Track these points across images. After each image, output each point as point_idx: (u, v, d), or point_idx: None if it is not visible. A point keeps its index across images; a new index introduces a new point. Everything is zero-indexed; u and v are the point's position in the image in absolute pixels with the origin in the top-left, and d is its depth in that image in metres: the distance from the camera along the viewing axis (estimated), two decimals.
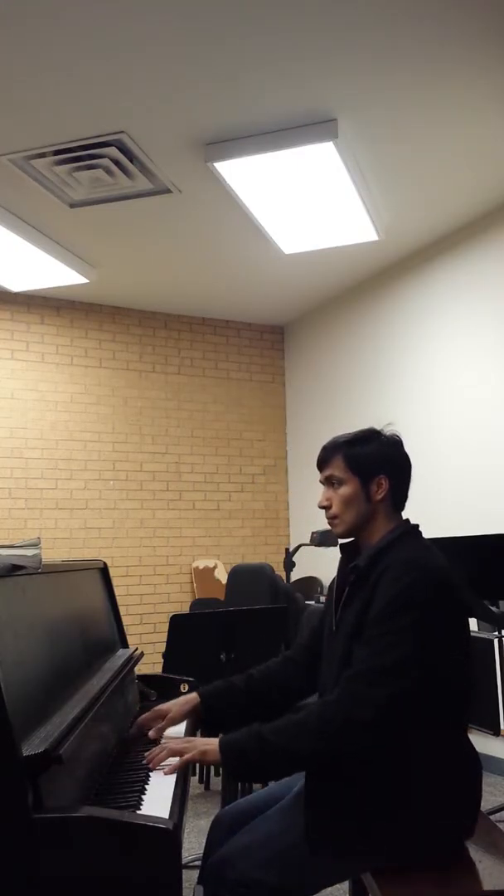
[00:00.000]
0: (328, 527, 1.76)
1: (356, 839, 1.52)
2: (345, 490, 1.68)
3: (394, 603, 1.51)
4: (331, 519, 1.71)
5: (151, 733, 1.76)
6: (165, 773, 1.57)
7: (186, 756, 1.56)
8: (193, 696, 1.84)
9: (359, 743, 1.47)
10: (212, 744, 1.56)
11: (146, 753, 1.65)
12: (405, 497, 1.73)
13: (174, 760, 1.59)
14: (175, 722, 1.83)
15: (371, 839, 1.51)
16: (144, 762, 1.62)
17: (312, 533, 3.80)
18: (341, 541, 1.78)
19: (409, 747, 1.52)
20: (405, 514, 1.76)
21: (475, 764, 1.61)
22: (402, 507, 1.73)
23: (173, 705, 1.84)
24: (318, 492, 1.75)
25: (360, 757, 1.50)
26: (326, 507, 1.71)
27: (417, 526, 1.71)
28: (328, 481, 1.72)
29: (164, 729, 1.81)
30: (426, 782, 1.52)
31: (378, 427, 1.75)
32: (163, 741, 1.70)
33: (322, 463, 1.74)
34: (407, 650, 1.47)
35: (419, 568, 1.54)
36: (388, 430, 1.74)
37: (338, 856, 1.54)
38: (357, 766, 1.52)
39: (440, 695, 1.53)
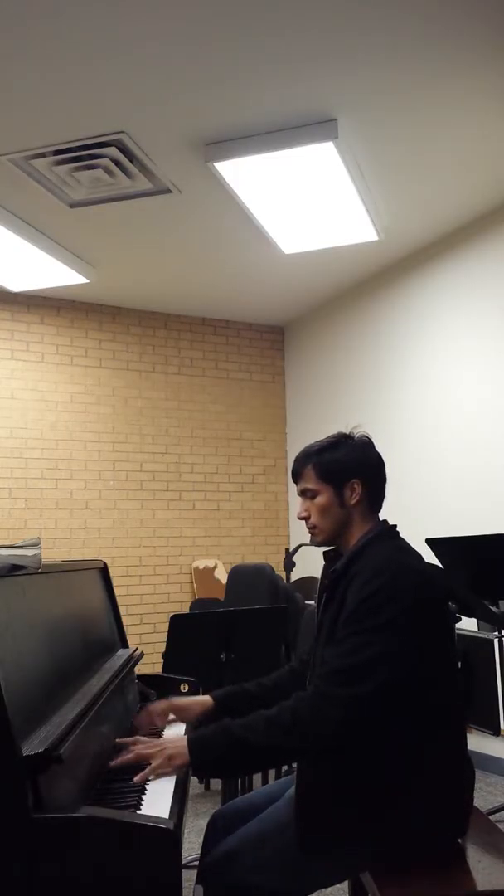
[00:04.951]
0: None
1: (348, 841, 1.52)
2: (320, 500, 1.70)
3: (364, 605, 1.52)
4: (310, 529, 1.74)
5: (158, 722, 1.73)
6: (136, 781, 1.52)
7: (155, 763, 1.54)
8: (207, 698, 1.86)
9: (329, 740, 1.50)
10: (179, 745, 1.55)
11: (112, 763, 1.61)
12: (381, 497, 1.75)
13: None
14: (188, 720, 1.86)
15: (363, 841, 1.52)
16: (112, 764, 1.59)
17: None
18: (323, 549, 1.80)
19: (399, 747, 1.53)
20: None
21: (465, 763, 1.62)
22: (378, 507, 1.74)
23: (190, 704, 1.85)
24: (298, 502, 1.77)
25: (327, 753, 1.53)
26: (305, 518, 1.73)
27: (395, 526, 1.72)
28: (304, 494, 1.74)
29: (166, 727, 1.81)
30: (416, 782, 1.53)
31: (347, 430, 1.76)
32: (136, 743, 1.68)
33: (296, 475, 1.76)
34: (375, 650, 1.49)
35: (389, 570, 1.55)
36: (357, 433, 1.76)
37: (331, 858, 1.54)
38: (343, 765, 1.53)
39: (426, 694, 1.54)
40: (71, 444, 5.42)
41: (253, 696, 1.84)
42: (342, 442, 1.73)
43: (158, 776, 1.54)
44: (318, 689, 1.52)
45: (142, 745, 1.62)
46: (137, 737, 1.70)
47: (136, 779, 1.53)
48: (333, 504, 1.69)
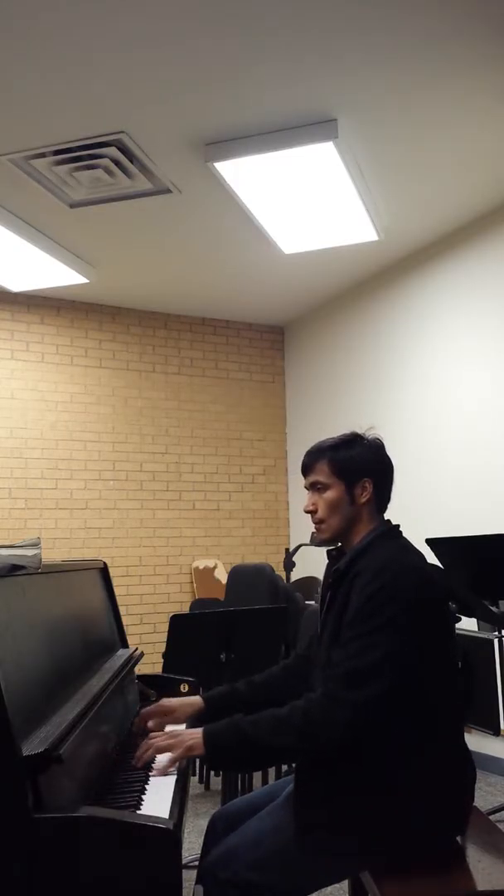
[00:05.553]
0: None
1: (347, 840, 1.53)
2: (330, 494, 1.71)
3: (367, 605, 1.53)
4: (317, 523, 1.74)
5: (151, 724, 1.78)
6: (153, 775, 1.57)
7: (175, 754, 1.57)
8: (198, 699, 1.85)
9: (337, 742, 1.50)
10: (196, 737, 1.57)
11: (134, 762, 1.63)
12: (388, 499, 1.76)
13: (164, 758, 1.60)
14: (179, 722, 1.85)
15: (361, 840, 1.52)
16: (133, 762, 1.61)
17: (312, 533, 3.80)
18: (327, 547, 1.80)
19: (398, 746, 1.53)
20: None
21: (466, 763, 1.62)
22: (384, 508, 1.76)
23: (179, 706, 1.85)
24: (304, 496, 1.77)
25: (336, 754, 1.53)
26: (312, 512, 1.74)
27: (398, 526, 1.73)
28: (313, 487, 1.75)
29: (164, 726, 1.82)
30: (416, 781, 1.53)
31: (360, 431, 1.78)
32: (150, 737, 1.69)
33: (306, 468, 1.77)
34: (381, 652, 1.50)
35: (391, 570, 1.56)
36: (369, 434, 1.77)
37: (330, 857, 1.54)
38: (342, 764, 1.53)
39: (426, 693, 1.55)
40: (71, 444, 5.42)
41: (243, 696, 1.84)
42: (357, 441, 1.75)
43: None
44: (328, 691, 1.53)
45: (158, 739, 1.62)
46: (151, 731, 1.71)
47: (155, 770, 1.57)
48: (343, 500, 1.70)
